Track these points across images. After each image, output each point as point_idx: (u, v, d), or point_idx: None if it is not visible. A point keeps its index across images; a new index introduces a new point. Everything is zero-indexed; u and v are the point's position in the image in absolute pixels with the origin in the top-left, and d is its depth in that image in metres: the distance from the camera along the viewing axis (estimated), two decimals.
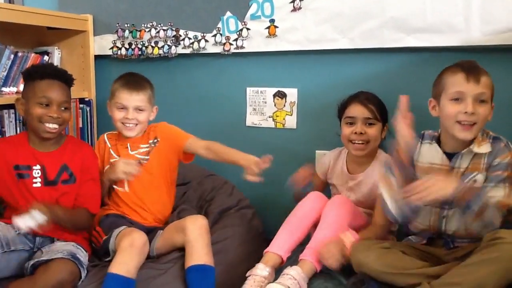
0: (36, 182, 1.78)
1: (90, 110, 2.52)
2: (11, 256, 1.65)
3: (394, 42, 1.94)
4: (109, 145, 1.98)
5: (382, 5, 1.94)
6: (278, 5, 2.11)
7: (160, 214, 1.97)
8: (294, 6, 2.08)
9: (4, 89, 2.23)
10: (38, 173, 1.78)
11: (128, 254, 1.60)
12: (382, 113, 1.82)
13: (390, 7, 1.92)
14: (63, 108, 1.79)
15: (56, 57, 2.51)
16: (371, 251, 1.47)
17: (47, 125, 1.74)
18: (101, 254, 1.81)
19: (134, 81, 1.93)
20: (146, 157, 1.95)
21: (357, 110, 1.81)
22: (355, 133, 1.80)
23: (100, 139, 2.04)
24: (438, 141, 1.59)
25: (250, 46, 2.20)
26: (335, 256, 1.54)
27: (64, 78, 1.83)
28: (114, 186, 1.94)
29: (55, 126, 1.76)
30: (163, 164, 1.97)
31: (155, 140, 1.97)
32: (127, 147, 1.95)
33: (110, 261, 1.65)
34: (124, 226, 1.78)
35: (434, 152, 1.57)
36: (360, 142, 1.80)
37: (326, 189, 2.04)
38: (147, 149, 1.96)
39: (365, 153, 1.82)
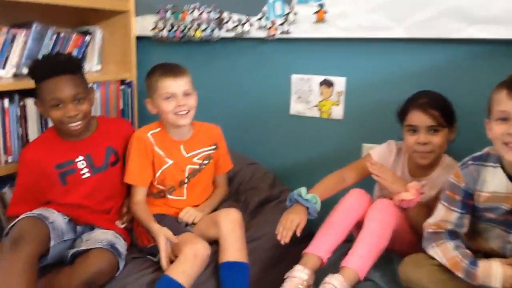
0: (84, 174, 1.76)
1: (131, 91, 2.48)
2: (61, 246, 1.65)
3: (454, 33, 1.79)
4: (156, 146, 1.81)
5: None
6: None
7: None
8: None
9: None
10: (83, 163, 1.75)
11: (191, 265, 1.56)
12: (447, 116, 1.65)
13: None
14: (78, 101, 1.68)
15: (98, 37, 2.46)
16: (422, 267, 1.38)
17: (69, 125, 1.69)
18: (145, 252, 1.78)
19: (172, 67, 1.81)
20: (206, 162, 1.89)
21: (418, 118, 1.65)
22: (419, 143, 1.65)
23: (140, 136, 1.81)
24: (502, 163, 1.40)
25: (296, 31, 2.08)
26: None
27: (70, 69, 1.68)
28: (170, 196, 1.87)
29: (78, 122, 1.70)
30: (212, 169, 1.95)
31: (215, 147, 1.92)
32: (180, 149, 1.85)
33: (156, 261, 1.67)
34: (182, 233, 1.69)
35: (498, 178, 1.39)
36: (425, 151, 1.66)
37: (369, 183, 1.87)
38: (207, 153, 1.90)
39: (431, 160, 1.68)
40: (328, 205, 1.73)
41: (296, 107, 2.20)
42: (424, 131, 1.64)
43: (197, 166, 1.87)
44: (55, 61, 1.68)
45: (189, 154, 1.86)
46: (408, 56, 1.94)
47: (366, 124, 2.07)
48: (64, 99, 1.65)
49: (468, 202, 1.43)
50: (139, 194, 1.80)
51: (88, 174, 1.76)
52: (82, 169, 1.75)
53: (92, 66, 2.47)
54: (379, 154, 1.83)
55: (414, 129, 1.66)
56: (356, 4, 1.94)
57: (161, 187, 1.86)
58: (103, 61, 2.52)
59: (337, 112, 2.12)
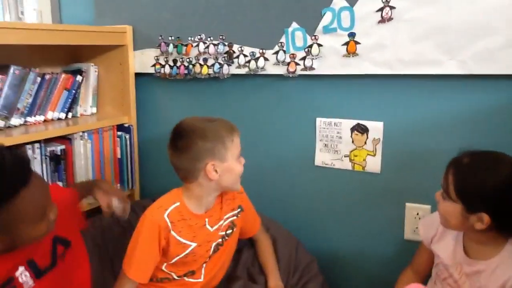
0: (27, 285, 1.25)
1: (130, 137, 2.14)
2: None
3: None
4: (173, 231, 1.42)
5: (508, 17, 1.39)
6: (361, 15, 1.60)
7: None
8: (382, 16, 1.57)
9: (29, 118, 1.88)
10: (25, 275, 1.24)
11: None
12: (464, 192, 1.25)
13: None
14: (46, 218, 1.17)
15: (92, 75, 2.14)
16: None
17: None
18: None
19: (228, 121, 1.51)
20: (230, 232, 1.55)
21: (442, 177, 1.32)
22: None
23: (153, 220, 1.41)
24: None
25: (322, 67, 1.71)
26: None
27: (23, 182, 1.09)
28: (187, 279, 1.52)
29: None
30: (237, 238, 1.61)
31: (239, 210, 1.58)
32: (205, 224, 1.48)
33: None
34: None
35: None
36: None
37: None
38: (231, 219, 1.55)
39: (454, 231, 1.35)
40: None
41: (322, 157, 1.82)
42: (439, 194, 1.33)
43: (220, 240, 1.53)
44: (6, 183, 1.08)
45: (214, 227, 1.50)
46: (462, 96, 1.54)
47: (410, 179, 1.68)
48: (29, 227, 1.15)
49: None
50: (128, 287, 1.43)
51: (32, 283, 1.25)
52: (24, 283, 1.24)
53: (86, 109, 2.15)
54: (426, 226, 1.45)
55: None
56: (396, 33, 1.55)
57: (171, 273, 1.49)
58: (98, 103, 2.19)
59: (373, 164, 1.72)
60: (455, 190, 1.26)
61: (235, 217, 1.55)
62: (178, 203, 1.43)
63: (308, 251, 1.80)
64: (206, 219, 1.47)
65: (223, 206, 1.52)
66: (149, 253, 1.41)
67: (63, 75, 1.98)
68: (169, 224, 1.40)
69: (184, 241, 1.43)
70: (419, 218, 1.67)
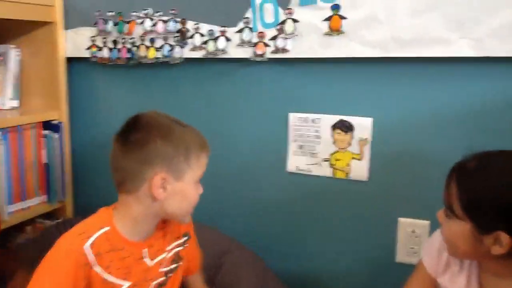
0: None
1: (60, 137, 1.73)
2: None
3: None
4: (97, 265, 1.01)
5: None
6: None
7: None
8: None
9: None
10: None
11: None
12: (475, 208, 0.92)
13: None
14: None
15: (12, 60, 1.74)
16: None
17: None
18: None
19: (199, 133, 1.12)
20: (174, 266, 1.16)
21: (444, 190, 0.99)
22: None
23: (71, 252, 0.99)
24: None
25: (297, 49, 1.37)
26: None
27: None
28: None
29: None
30: (181, 275, 1.23)
31: (186, 238, 1.20)
32: (142, 257, 1.08)
33: None
34: None
35: None
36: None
37: None
38: (177, 249, 1.17)
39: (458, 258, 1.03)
40: None
41: (295, 162, 1.47)
42: (441, 213, 1.00)
43: (163, 278, 1.13)
44: None
45: (155, 261, 1.10)
46: (475, 85, 1.24)
47: (404, 189, 1.36)
48: None
49: None
50: None
51: None
52: None
53: (4, 102, 1.74)
54: (430, 254, 1.12)
55: None
56: (392, 4, 1.23)
57: None
58: (21, 95, 1.78)
59: (359, 169, 1.39)
60: (461, 205, 0.93)
61: (181, 247, 1.17)
62: (107, 228, 1.03)
63: (278, 277, 1.46)
64: (145, 250, 1.08)
65: (167, 234, 1.14)
66: None
67: None
68: (92, 257, 1.00)
69: (113, 280, 1.02)
70: (416, 237, 1.35)
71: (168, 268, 1.13)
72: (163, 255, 1.12)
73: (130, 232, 1.05)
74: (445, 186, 0.98)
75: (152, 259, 1.09)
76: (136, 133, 1.03)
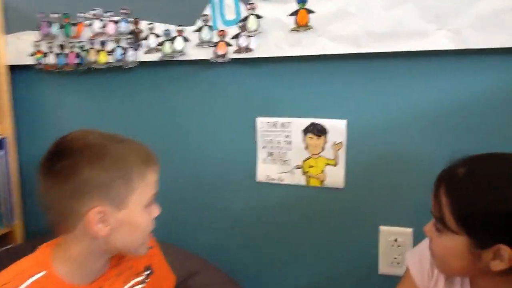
0: None
1: (5, 155, 1.57)
2: None
3: None
4: None
5: None
6: None
7: None
8: None
9: None
10: None
11: None
12: (472, 219, 0.81)
13: None
14: None
15: None
16: None
17: None
18: None
19: (141, 144, 0.94)
20: None
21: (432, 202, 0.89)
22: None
23: None
24: None
25: (262, 47, 1.25)
26: None
27: None
28: None
29: None
30: None
31: (148, 273, 1.04)
32: None
33: None
34: None
35: None
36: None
37: None
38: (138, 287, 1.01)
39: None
40: None
41: (265, 170, 1.35)
42: (430, 226, 0.90)
43: None
44: None
45: None
46: (455, 80, 1.14)
47: (383, 195, 1.25)
48: None
49: None
50: None
51: None
52: None
53: None
54: (419, 263, 1.02)
55: None
56: None
57: None
58: None
59: (335, 176, 1.28)
60: (454, 217, 0.83)
61: (142, 285, 1.02)
62: (41, 273, 0.86)
63: None
64: None
65: (123, 272, 0.99)
66: None
67: None
68: None
69: None
70: (398, 246, 1.25)
71: None
72: None
73: (71, 274, 0.89)
74: (433, 197, 0.88)
75: None
76: (59, 161, 0.85)
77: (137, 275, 1.01)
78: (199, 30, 1.30)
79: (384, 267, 1.28)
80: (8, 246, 1.55)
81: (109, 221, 0.85)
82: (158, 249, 1.08)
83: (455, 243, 0.83)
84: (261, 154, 1.35)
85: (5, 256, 1.42)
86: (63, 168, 0.84)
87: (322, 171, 1.29)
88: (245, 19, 1.25)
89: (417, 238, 1.20)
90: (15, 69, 1.58)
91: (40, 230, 1.55)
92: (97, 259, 0.91)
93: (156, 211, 0.93)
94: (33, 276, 0.85)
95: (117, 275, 0.96)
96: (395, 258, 1.25)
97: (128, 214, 0.87)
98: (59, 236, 0.90)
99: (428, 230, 0.90)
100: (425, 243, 1.01)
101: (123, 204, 0.86)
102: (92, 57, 1.44)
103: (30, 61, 1.54)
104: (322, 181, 1.30)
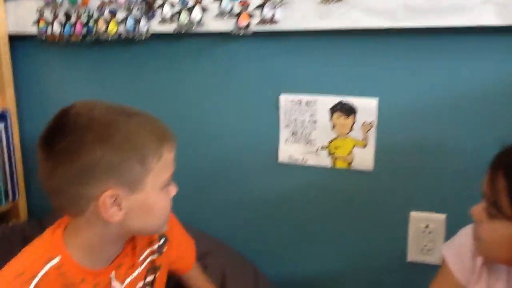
0: None
1: (6, 128, 1.49)
2: None
3: None
4: None
5: None
6: None
7: None
8: None
9: None
10: None
11: None
12: None
13: None
14: None
15: None
16: None
17: None
18: None
19: (158, 121, 0.85)
20: (150, 279, 0.95)
21: (483, 185, 0.83)
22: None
23: None
24: None
25: (289, 19, 1.16)
26: None
27: None
28: None
29: None
30: (164, 283, 1.01)
31: (162, 241, 0.98)
32: (111, 278, 0.86)
33: None
34: None
35: None
36: (475, 247, 0.90)
37: None
38: (151, 258, 0.96)
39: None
40: None
41: (288, 151, 1.28)
42: (480, 209, 0.84)
43: None
44: None
45: (126, 282, 0.89)
46: (502, 59, 1.06)
47: (415, 179, 1.19)
48: None
49: None
50: None
51: None
52: None
53: None
54: (459, 256, 0.95)
55: None
56: None
57: None
58: None
59: (364, 158, 1.21)
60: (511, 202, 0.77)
61: (155, 255, 0.96)
62: (56, 259, 0.79)
63: (271, 281, 1.29)
64: (112, 273, 0.87)
65: (137, 245, 0.92)
66: None
67: None
68: None
69: None
70: (429, 233, 1.20)
71: (142, 283, 0.93)
72: (136, 272, 0.91)
73: (87, 259, 0.83)
74: (488, 180, 0.82)
75: (122, 282, 0.88)
76: (62, 139, 0.75)
77: (151, 244, 0.96)
78: (219, 0, 1.20)
79: (413, 255, 1.22)
80: (13, 224, 1.50)
81: (123, 204, 0.77)
82: (173, 218, 1.02)
83: (509, 231, 0.78)
84: (284, 134, 1.28)
85: (11, 234, 1.37)
86: (67, 147, 0.75)
87: (350, 153, 1.23)
88: None
89: (451, 224, 1.15)
90: (16, 39, 1.48)
91: (43, 207, 1.49)
92: (113, 243, 0.85)
93: (173, 190, 0.85)
94: (49, 262, 0.79)
95: (132, 249, 0.91)
96: (425, 245, 1.20)
97: (144, 197, 0.79)
98: (69, 218, 0.83)
99: (476, 212, 0.85)
100: (463, 234, 0.96)
101: (138, 187, 0.78)
102: (100, 27, 1.34)
103: (32, 30, 1.43)
104: (349, 163, 1.23)
